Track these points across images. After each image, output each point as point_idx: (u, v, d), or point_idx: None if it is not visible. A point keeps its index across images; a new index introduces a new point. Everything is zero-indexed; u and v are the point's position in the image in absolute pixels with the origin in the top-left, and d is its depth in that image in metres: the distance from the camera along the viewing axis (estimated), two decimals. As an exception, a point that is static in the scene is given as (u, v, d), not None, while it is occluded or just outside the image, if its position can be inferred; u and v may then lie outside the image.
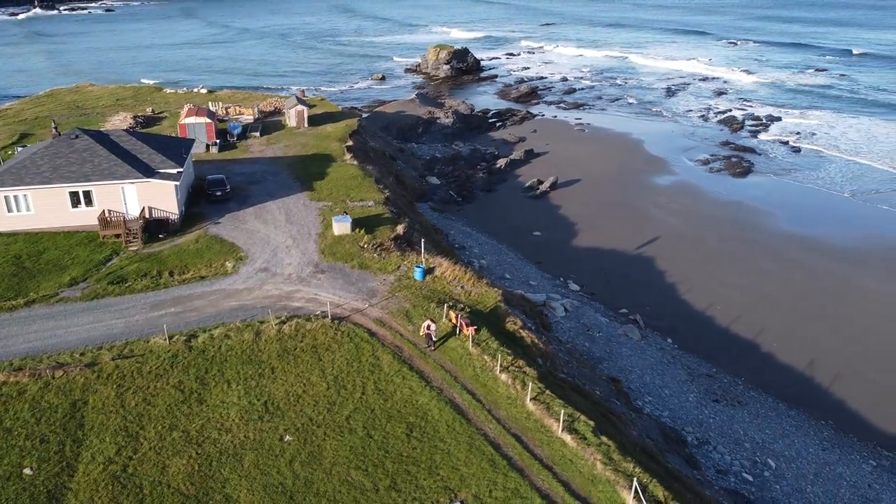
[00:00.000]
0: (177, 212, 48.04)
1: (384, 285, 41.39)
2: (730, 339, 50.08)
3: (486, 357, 34.09)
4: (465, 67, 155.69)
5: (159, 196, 47.42)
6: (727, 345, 49.37)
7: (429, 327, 34.65)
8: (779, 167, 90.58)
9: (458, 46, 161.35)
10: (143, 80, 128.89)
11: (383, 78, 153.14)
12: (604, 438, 28.87)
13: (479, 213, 73.99)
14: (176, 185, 47.58)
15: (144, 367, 32.75)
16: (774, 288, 57.95)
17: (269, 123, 74.73)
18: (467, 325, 35.65)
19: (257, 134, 70.14)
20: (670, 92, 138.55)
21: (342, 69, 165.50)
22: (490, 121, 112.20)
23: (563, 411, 29.35)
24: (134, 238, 45.70)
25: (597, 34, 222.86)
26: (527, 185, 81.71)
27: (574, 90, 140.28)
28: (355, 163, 64.42)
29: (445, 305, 37.56)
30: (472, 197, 77.65)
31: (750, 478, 35.05)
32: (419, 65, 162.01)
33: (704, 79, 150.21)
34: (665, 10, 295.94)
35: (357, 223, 48.39)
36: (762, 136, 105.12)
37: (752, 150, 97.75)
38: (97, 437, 28.59)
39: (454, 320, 36.48)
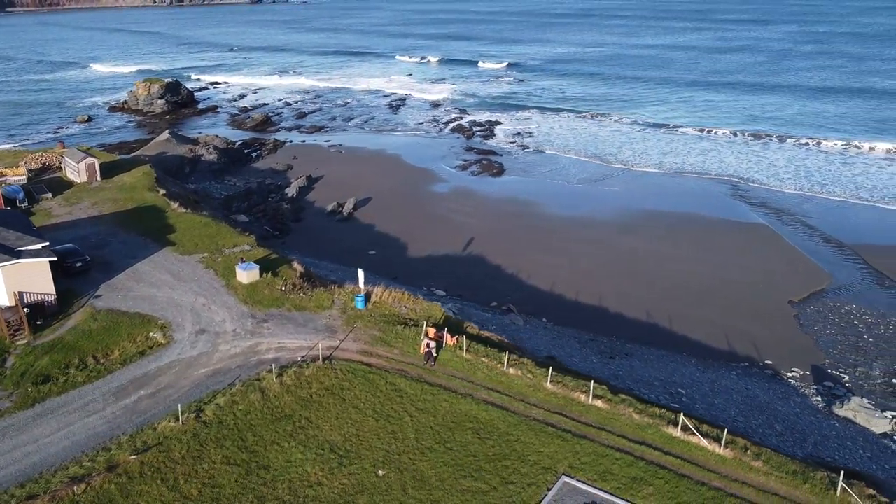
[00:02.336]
0: (54, 292, 42.03)
1: (335, 320, 42.24)
2: (586, 309, 59.89)
3: (483, 359, 37.96)
4: (180, 100, 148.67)
5: (32, 277, 41.05)
6: (587, 313, 59.08)
7: (428, 345, 37.27)
8: (522, 165, 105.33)
9: (168, 79, 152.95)
10: None
11: (90, 119, 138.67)
12: (622, 395, 35.20)
13: (305, 242, 74.48)
14: (50, 263, 41.66)
15: (173, 454, 30.13)
16: (583, 260, 69.60)
17: (49, 182, 65.84)
18: (451, 336, 39.00)
19: (49, 195, 61.72)
20: (393, 108, 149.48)
21: (30, 117, 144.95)
22: (245, 151, 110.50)
23: (592, 385, 34.90)
24: (18, 330, 39.15)
25: (284, 59, 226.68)
26: (329, 209, 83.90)
27: (305, 114, 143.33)
28: (186, 210, 61.14)
29: (424, 323, 40.25)
30: (287, 229, 77.52)
31: (677, 406, 44.31)
32: (126, 101, 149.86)
33: (409, 94, 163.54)
34: (324, 33, 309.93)
35: (256, 268, 47.47)
36: (495, 140, 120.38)
37: (494, 153, 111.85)
38: (188, 533, 26.35)
39: (433, 336, 39.41)
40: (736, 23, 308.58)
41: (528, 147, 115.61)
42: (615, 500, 28.36)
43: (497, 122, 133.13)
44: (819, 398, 46.67)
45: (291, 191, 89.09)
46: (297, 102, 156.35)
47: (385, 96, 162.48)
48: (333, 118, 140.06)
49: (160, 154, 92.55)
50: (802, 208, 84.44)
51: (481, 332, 42.58)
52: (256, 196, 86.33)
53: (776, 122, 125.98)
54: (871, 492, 28.88)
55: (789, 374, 49.86)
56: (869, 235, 74.92)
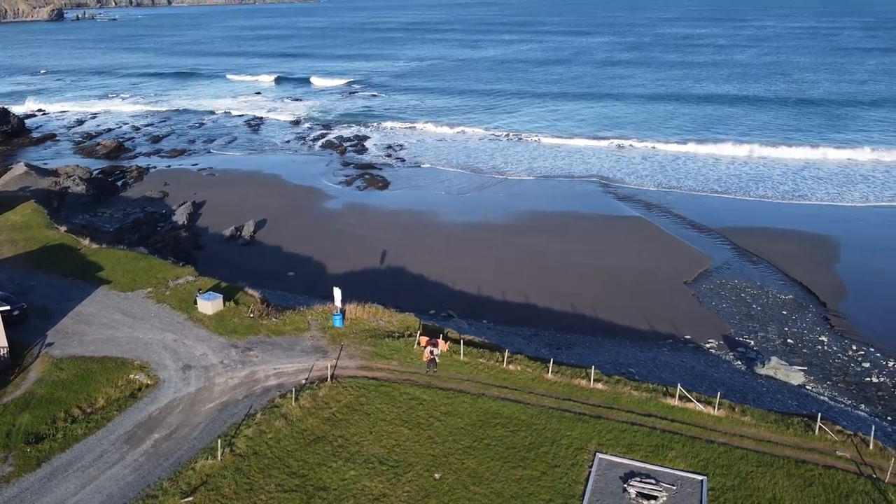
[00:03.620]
0: (6, 345, 38.33)
1: (320, 340, 42.37)
2: (517, 307, 63.44)
3: (480, 360, 40.11)
4: (10, 129, 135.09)
5: (-18, 331, 37.23)
6: (519, 311, 62.66)
7: (431, 352, 38.77)
8: (405, 178, 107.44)
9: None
10: None
11: None
12: (615, 377, 38.94)
13: (214, 270, 70.83)
14: (2, 312, 38.00)
15: (224, 491, 29.44)
16: (496, 262, 73.30)
17: (-80, 228, 58.49)
18: (445, 341, 40.74)
19: (-69, 243, 55.01)
20: (252, 128, 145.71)
21: None
22: (109, 180, 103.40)
23: (593, 370, 38.26)
24: (-21, 390, 35.48)
25: (112, 81, 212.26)
26: (227, 234, 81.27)
27: (159, 138, 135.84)
28: (99, 245, 57.32)
29: (417, 333, 41.54)
30: (191, 258, 74.00)
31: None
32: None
33: (263, 113, 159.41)
34: (148, 52, 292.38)
35: (214, 298, 46.08)
36: (369, 155, 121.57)
37: (373, 167, 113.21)
38: (278, 563, 26.14)
39: (425, 344, 40.86)
40: (557, 34, 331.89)
41: (404, 160, 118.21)
42: (649, 466, 31.84)
43: (365, 137, 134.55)
44: (739, 362, 53.72)
45: (180, 218, 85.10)
46: (145, 126, 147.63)
47: (239, 116, 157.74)
48: (192, 141, 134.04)
49: (24, 189, 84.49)
50: (667, 201, 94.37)
51: (463, 336, 44.60)
52: (145, 227, 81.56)
53: (623, 126, 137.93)
54: (839, 428, 34.73)
55: (708, 345, 56.66)
56: (728, 220, 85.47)
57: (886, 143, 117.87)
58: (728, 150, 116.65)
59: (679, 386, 36.95)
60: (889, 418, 46.53)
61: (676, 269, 71.31)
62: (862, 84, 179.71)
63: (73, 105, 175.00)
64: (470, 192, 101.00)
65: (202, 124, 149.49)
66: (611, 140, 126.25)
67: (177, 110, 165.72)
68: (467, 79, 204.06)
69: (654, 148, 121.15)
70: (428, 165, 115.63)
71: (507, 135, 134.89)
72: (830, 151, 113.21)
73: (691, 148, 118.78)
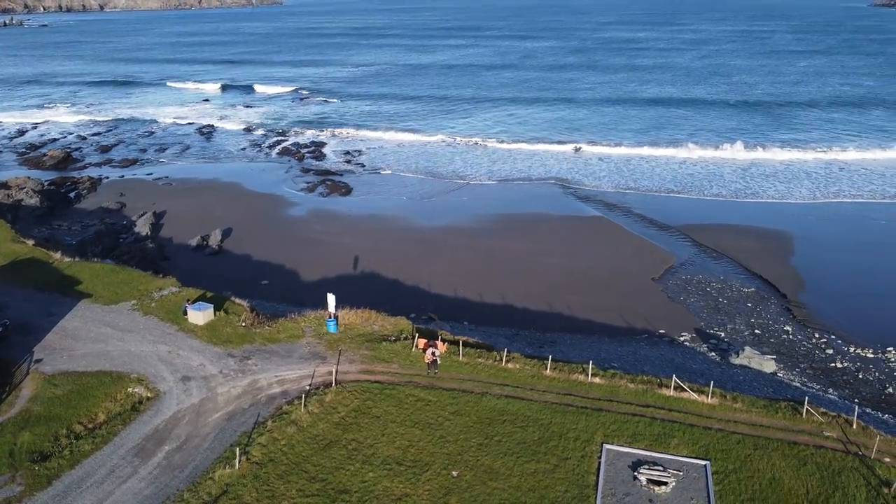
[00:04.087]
0: (-5, 363, 37.25)
1: (317, 347, 42.49)
2: (495, 308, 64.45)
3: (479, 360, 40.94)
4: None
5: (-29, 349, 36.09)
6: (498, 312, 63.71)
7: (433, 353, 39.37)
8: (367, 184, 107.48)
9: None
10: None
11: None
12: (610, 371, 40.30)
13: (186, 281, 69.87)
14: (-10, 330, 36.92)
15: (245, 499, 29.50)
16: (467, 265, 74.36)
17: None
18: (443, 343, 41.42)
19: None
20: (205, 136, 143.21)
21: None
22: (62, 191, 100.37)
23: (590, 365, 39.49)
24: (-28, 410, 34.38)
25: (50, 90, 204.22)
26: (194, 244, 79.98)
27: (108, 147, 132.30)
28: (72, 259, 55.86)
29: (416, 336, 42.04)
30: (160, 269, 72.51)
31: (616, 377, 50.59)
32: None
33: (213, 121, 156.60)
34: (84, 60, 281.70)
35: (204, 308, 45.65)
36: (328, 161, 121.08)
37: (333, 173, 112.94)
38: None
39: (424, 346, 41.44)
40: (502, 38, 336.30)
41: (364, 166, 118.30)
42: (655, 454, 33.22)
43: (322, 143, 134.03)
44: (713, 353, 56.01)
45: (143, 229, 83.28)
46: (91, 136, 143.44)
47: (189, 124, 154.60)
48: (144, 150, 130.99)
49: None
50: (625, 201, 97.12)
51: (456, 337, 45.34)
52: (108, 238, 79.52)
53: (578, 129, 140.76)
54: (823, 410, 36.86)
55: (682, 339, 58.85)
56: (687, 218, 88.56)
57: (825, 142, 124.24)
58: (680, 151, 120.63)
59: (674, 377, 38.53)
60: (856, 400, 49.39)
61: (643, 267, 73.60)
62: (796, 85, 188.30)
63: (10, 115, 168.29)
64: (434, 196, 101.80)
65: (152, 133, 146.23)
66: (566, 143, 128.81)
67: (122, 119, 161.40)
68: (419, 84, 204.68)
69: (608, 150, 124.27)
70: (388, 171, 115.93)
71: (465, 139, 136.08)
72: (774, 150, 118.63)
73: (645, 150, 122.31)
